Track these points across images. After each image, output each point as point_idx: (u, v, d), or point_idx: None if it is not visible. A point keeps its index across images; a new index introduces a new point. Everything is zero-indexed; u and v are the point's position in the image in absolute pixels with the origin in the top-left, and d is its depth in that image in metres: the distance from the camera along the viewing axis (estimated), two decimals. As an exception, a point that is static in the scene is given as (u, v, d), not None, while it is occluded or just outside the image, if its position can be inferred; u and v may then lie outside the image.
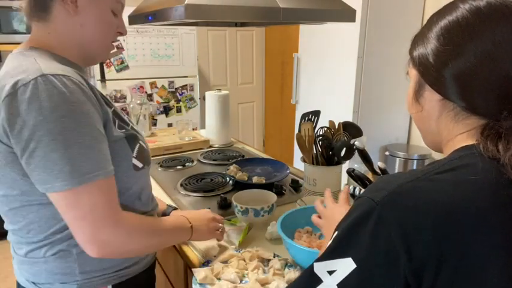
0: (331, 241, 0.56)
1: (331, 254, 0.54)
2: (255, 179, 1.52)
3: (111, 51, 0.94)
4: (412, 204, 0.51)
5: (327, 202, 0.88)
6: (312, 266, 0.55)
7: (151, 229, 0.88)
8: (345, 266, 0.52)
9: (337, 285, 0.52)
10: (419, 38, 0.63)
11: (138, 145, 0.89)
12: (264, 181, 1.52)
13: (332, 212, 0.84)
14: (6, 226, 0.87)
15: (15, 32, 2.81)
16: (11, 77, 0.73)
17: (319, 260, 0.55)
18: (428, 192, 0.52)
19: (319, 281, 0.53)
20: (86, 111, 0.74)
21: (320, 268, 0.54)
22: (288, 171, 1.61)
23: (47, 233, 0.82)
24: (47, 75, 0.72)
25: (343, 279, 0.51)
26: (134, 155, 0.87)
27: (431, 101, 0.61)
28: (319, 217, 0.89)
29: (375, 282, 0.51)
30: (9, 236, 0.88)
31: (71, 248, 0.83)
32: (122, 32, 0.92)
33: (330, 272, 0.53)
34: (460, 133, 0.60)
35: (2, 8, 2.74)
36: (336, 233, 0.56)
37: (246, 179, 1.54)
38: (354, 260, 0.51)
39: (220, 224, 1.10)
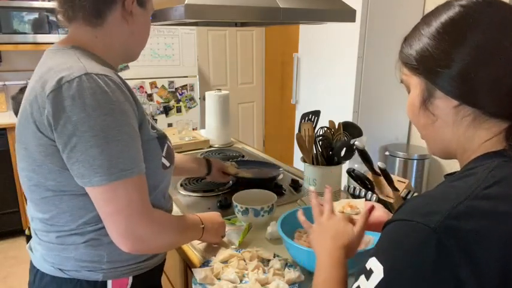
0: (382, 275, 0.49)
1: None
2: (241, 173, 1.54)
3: None
4: (474, 227, 0.47)
5: (325, 208, 0.83)
6: None
7: (178, 227, 0.94)
8: None
9: None
10: (414, 41, 0.59)
11: (166, 145, 0.93)
12: (250, 175, 1.54)
13: (332, 223, 0.80)
14: (32, 214, 0.89)
15: (15, 32, 2.80)
16: (55, 73, 0.76)
17: None
18: (488, 213, 0.48)
19: None
20: (125, 111, 0.78)
21: None
22: (278, 174, 1.60)
23: (78, 222, 0.84)
24: (91, 74, 0.75)
25: None
26: (164, 154, 0.91)
27: (444, 108, 0.57)
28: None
29: None
30: (35, 224, 0.89)
31: (102, 237, 0.85)
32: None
33: None
34: (484, 140, 0.56)
35: (2, 8, 2.74)
36: (383, 265, 0.50)
37: (233, 172, 1.53)
38: None
39: (225, 231, 1.15)
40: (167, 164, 0.93)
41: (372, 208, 0.86)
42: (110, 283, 0.89)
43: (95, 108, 0.73)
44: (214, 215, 1.11)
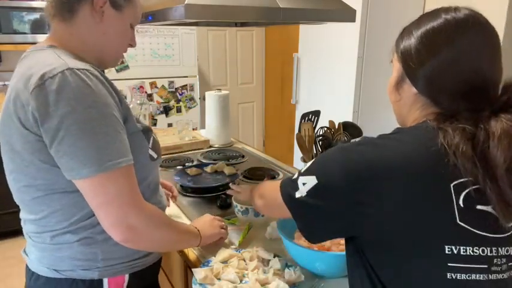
0: (309, 164, 0.75)
1: (307, 172, 0.73)
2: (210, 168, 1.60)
3: None
4: (362, 151, 0.68)
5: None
6: (296, 178, 0.74)
7: (171, 223, 0.93)
8: (311, 180, 0.71)
9: (306, 192, 0.71)
10: (406, 35, 0.72)
11: (152, 137, 0.94)
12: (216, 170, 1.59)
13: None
14: (24, 216, 0.89)
15: (15, 32, 2.80)
16: (36, 70, 0.77)
17: (300, 174, 0.74)
18: (375, 144, 0.69)
19: (297, 187, 0.73)
20: (108, 103, 0.79)
21: (300, 180, 0.73)
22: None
23: (71, 220, 0.84)
24: (73, 69, 0.76)
25: (309, 189, 0.71)
26: (150, 146, 0.92)
27: (408, 92, 0.73)
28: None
29: (325, 197, 0.69)
30: (28, 227, 0.89)
31: (95, 235, 0.85)
32: (132, 44, 0.98)
33: (303, 184, 0.72)
34: (422, 117, 0.71)
35: (2, 8, 2.74)
36: (312, 161, 0.76)
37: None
38: (316, 178, 0.70)
39: (222, 222, 1.15)
40: (154, 155, 0.94)
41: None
42: (105, 281, 0.88)
43: (79, 101, 0.74)
44: (202, 217, 1.13)
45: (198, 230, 1.03)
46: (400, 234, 0.63)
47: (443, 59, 0.66)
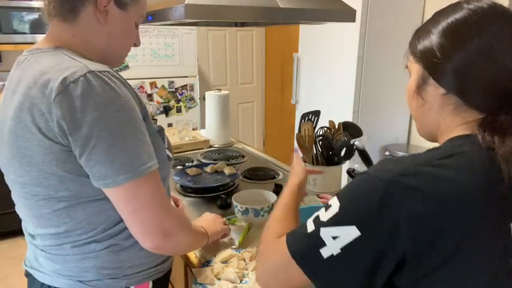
0: (337, 210, 0.60)
1: (336, 222, 0.59)
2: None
3: None
4: (415, 184, 0.56)
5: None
6: (318, 230, 0.60)
7: (190, 225, 0.93)
8: (349, 233, 0.58)
9: (341, 248, 0.58)
10: (422, 34, 0.66)
11: (165, 137, 0.92)
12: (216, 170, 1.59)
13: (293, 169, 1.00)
14: (38, 231, 0.84)
15: (15, 32, 2.80)
16: (53, 75, 0.72)
17: (325, 225, 0.60)
18: (432, 175, 0.57)
19: (323, 244, 0.59)
20: (133, 106, 0.76)
21: (325, 233, 0.59)
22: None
23: (97, 229, 0.81)
24: (94, 72, 0.72)
25: (347, 245, 0.58)
26: (166, 146, 0.90)
27: (434, 95, 0.65)
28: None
29: (374, 249, 0.57)
30: (42, 241, 0.84)
31: (122, 241, 0.83)
32: (137, 44, 0.94)
33: (334, 238, 0.59)
34: (458, 125, 0.64)
35: (2, 8, 2.74)
36: (340, 202, 0.61)
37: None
38: (358, 229, 0.57)
39: (224, 219, 1.16)
40: (170, 155, 0.92)
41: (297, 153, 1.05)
42: None
43: (107, 105, 0.71)
44: (204, 215, 1.14)
45: (205, 229, 1.03)
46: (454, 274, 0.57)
47: (472, 49, 0.60)
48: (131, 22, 0.88)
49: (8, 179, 0.84)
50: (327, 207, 0.62)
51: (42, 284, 0.86)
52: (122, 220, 0.80)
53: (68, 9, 0.80)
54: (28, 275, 0.91)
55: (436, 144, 0.68)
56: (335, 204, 0.61)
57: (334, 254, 0.58)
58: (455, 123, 0.64)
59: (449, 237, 0.55)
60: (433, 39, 0.63)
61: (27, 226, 0.88)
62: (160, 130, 0.89)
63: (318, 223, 0.61)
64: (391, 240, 0.56)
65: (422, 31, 0.67)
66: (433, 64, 0.63)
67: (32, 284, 0.89)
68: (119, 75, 0.79)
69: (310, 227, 0.62)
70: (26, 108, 0.73)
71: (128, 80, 0.81)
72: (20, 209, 0.86)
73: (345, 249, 0.57)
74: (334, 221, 0.60)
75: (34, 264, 0.89)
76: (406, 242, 0.55)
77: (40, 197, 0.78)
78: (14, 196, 0.86)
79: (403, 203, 0.55)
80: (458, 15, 0.62)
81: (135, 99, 0.79)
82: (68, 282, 0.84)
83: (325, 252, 0.59)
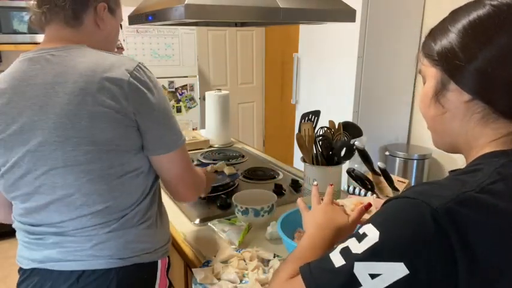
0: (376, 239, 0.50)
1: (377, 255, 0.49)
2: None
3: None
4: (474, 216, 0.49)
5: (324, 198, 0.86)
6: (350, 266, 0.49)
7: (204, 178, 1.14)
8: (394, 271, 0.47)
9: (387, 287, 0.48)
10: (439, 34, 0.59)
11: None
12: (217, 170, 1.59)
13: (329, 208, 0.82)
14: (76, 214, 0.86)
15: (15, 32, 2.80)
16: (113, 64, 0.85)
17: (361, 259, 0.49)
18: (489, 206, 0.50)
19: (357, 284, 0.49)
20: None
21: (360, 269, 0.49)
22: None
23: (139, 201, 0.92)
24: (141, 64, 0.89)
25: (390, 285, 0.48)
26: None
27: (456, 102, 0.58)
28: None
29: None
30: (88, 221, 0.86)
31: (157, 217, 0.97)
32: (119, 43, 1.11)
33: (373, 276, 0.48)
34: (491, 140, 0.57)
35: (2, 8, 2.74)
36: (379, 231, 0.50)
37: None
38: (407, 266, 0.47)
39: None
40: None
41: (369, 205, 0.85)
42: (160, 263, 0.97)
43: (159, 89, 0.89)
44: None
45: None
46: None
47: (500, 47, 0.53)
48: (118, 24, 1.03)
49: (40, 171, 0.83)
50: (360, 236, 0.52)
51: (72, 272, 0.86)
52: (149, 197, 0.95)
53: (72, 17, 0.90)
54: (35, 273, 0.90)
55: (452, 161, 0.63)
56: (372, 232, 0.51)
57: None
58: (485, 135, 0.57)
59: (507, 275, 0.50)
60: (453, 38, 0.56)
61: (54, 215, 0.87)
62: None
63: (350, 256, 0.50)
64: (444, 276, 0.48)
65: (438, 31, 0.60)
66: (454, 66, 0.56)
67: (47, 280, 0.88)
68: None
69: (338, 261, 0.51)
70: (91, 92, 0.81)
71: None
72: (71, 189, 0.85)
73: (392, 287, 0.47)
74: (373, 254, 0.49)
75: (54, 257, 0.88)
76: (461, 279, 0.48)
77: (96, 174, 0.85)
78: (46, 188, 0.85)
79: (460, 235, 0.48)
80: (481, 11, 0.56)
81: None
82: (106, 262, 0.88)
83: None
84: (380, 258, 0.48)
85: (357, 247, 0.50)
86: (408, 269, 0.47)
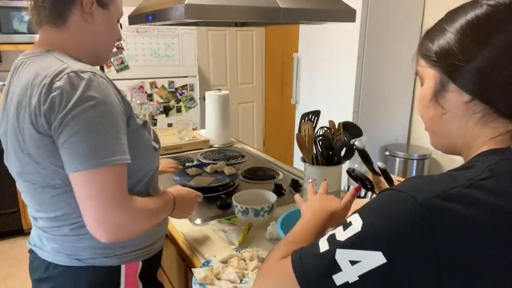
0: (359, 229, 0.52)
1: (357, 244, 0.51)
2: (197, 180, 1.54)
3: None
4: (461, 211, 0.49)
5: (319, 191, 0.91)
6: (333, 252, 0.52)
7: (152, 212, 0.93)
8: (373, 259, 0.49)
9: (359, 276, 0.50)
10: (436, 34, 0.59)
11: (151, 129, 1.00)
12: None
13: (323, 197, 0.87)
14: (39, 215, 0.92)
15: (15, 32, 2.80)
16: (42, 75, 0.80)
17: (343, 246, 0.52)
18: (478, 201, 0.50)
19: (338, 269, 0.51)
20: (109, 103, 0.81)
21: (342, 256, 0.51)
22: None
23: None
24: (76, 72, 0.80)
25: (367, 272, 0.49)
26: (152, 138, 0.98)
27: (455, 102, 0.58)
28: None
29: (400, 279, 0.49)
30: (44, 223, 0.92)
31: None
32: (119, 39, 1.04)
33: (352, 262, 0.50)
34: (489, 138, 0.57)
35: (2, 8, 2.74)
36: (363, 221, 0.52)
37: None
38: (385, 255, 0.49)
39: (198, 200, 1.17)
40: (157, 146, 0.99)
41: (359, 187, 0.90)
42: (123, 267, 0.95)
43: (82, 102, 0.77)
44: (188, 193, 1.13)
45: (174, 206, 1.03)
46: None
47: (499, 46, 0.53)
48: (113, 19, 0.98)
49: (13, 172, 0.93)
50: (346, 224, 0.54)
51: (44, 260, 0.94)
52: None
53: (56, 15, 0.89)
54: (31, 251, 0.99)
55: (452, 162, 0.63)
56: (356, 222, 0.53)
57: (350, 282, 0.50)
58: (484, 134, 0.58)
59: (487, 270, 0.50)
60: (451, 38, 0.56)
61: (31, 210, 0.96)
62: (144, 123, 0.96)
63: (334, 243, 0.53)
64: (424, 269, 0.49)
65: (435, 31, 0.60)
66: (453, 67, 0.56)
67: (34, 261, 0.98)
68: (105, 75, 0.86)
69: (323, 246, 0.54)
70: (23, 106, 0.82)
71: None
72: (25, 197, 0.95)
73: (365, 276, 0.49)
74: (354, 243, 0.51)
75: (37, 243, 0.96)
76: (443, 273, 0.48)
77: (39, 185, 0.87)
78: (19, 185, 0.95)
79: (444, 229, 0.48)
80: (478, 11, 0.56)
81: (118, 97, 0.85)
82: (66, 260, 0.92)
83: (339, 279, 0.51)
84: (360, 246, 0.51)
85: (341, 235, 0.53)
86: (386, 258, 0.49)
